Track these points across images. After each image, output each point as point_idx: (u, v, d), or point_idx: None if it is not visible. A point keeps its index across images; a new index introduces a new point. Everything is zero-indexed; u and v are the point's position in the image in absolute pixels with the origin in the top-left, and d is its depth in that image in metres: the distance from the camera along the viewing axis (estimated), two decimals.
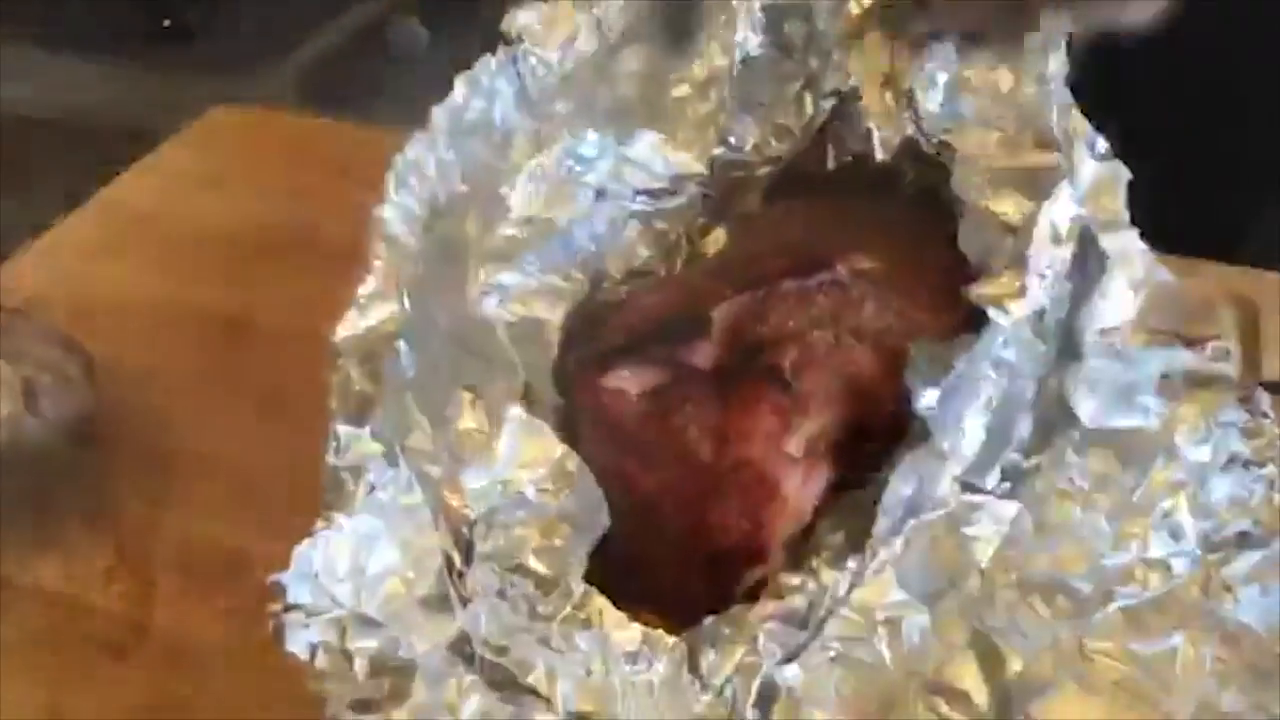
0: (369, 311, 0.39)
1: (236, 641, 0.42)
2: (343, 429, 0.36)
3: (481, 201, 0.42)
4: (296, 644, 0.33)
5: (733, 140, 0.44)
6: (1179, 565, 0.34)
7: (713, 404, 0.36)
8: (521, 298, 0.41)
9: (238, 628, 0.42)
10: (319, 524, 0.35)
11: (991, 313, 0.33)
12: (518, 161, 0.42)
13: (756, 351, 0.37)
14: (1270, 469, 0.35)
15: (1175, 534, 0.34)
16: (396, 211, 0.40)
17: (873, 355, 0.36)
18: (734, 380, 0.36)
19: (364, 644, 0.33)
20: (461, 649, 0.32)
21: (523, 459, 0.33)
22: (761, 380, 0.35)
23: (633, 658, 0.31)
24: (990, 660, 0.33)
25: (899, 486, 0.32)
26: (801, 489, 0.34)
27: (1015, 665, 0.33)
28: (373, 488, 0.35)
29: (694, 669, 0.31)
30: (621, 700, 0.31)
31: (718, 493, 0.34)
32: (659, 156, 0.43)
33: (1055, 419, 0.35)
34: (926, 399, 0.32)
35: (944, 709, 0.33)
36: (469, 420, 0.35)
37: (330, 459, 0.36)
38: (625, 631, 0.31)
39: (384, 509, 0.34)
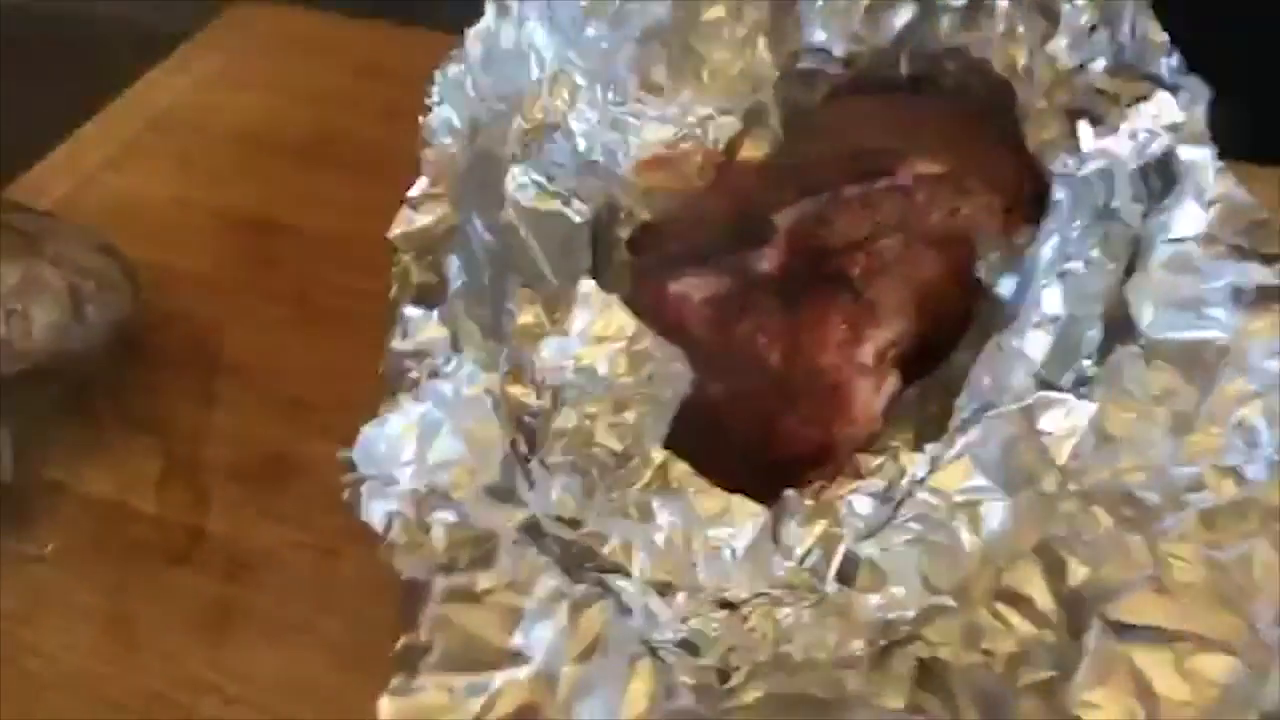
0: (422, 210, 0.38)
1: (293, 546, 0.42)
2: (409, 311, 0.35)
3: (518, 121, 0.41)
4: (372, 514, 0.33)
5: (802, 46, 0.43)
6: (1253, 471, 0.33)
7: (781, 311, 0.35)
8: (545, 198, 0.41)
9: (293, 532, 0.42)
10: (384, 407, 0.35)
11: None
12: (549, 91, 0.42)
13: (822, 258, 0.36)
14: None
15: (1250, 441, 0.33)
16: (441, 122, 0.39)
17: (940, 261, 0.36)
18: (801, 287, 0.36)
19: (442, 515, 0.33)
20: (531, 533, 0.32)
21: (595, 333, 0.32)
22: (831, 288, 0.35)
23: (716, 523, 0.31)
24: (1055, 568, 0.33)
25: (979, 374, 0.32)
26: (872, 398, 0.34)
27: (1081, 572, 0.33)
28: (435, 373, 0.35)
29: (775, 539, 0.31)
30: (703, 566, 0.31)
31: (788, 401, 0.34)
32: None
33: (1117, 330, 0.35)
34: (1002, 289, 0.32)
35: (1012, 618, 0.33)
36: (528, 315, 0.35)
37: (396, 343, 0.35)
38: (709, 497, 0.31)
39: (446, 400, 0.34)
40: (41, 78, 0.67)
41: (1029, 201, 0.38)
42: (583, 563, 0.32)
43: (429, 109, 0.41)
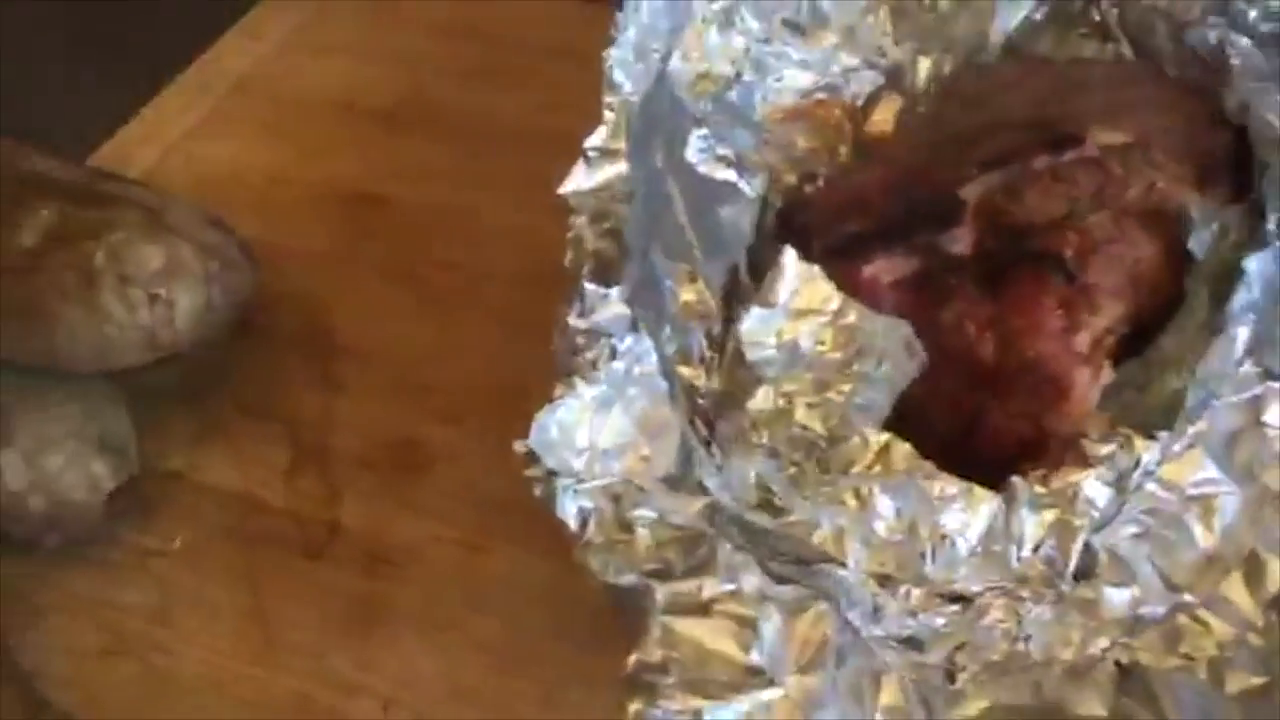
0: (598, 167, 0.36)
1: (435, 540, 0.40)
2: (589, 287, 0.34)
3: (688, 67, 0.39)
4: (566, 512, 0.32)
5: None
6: None
7: (985, 297, 0.33)
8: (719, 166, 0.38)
9: (434, 526, 0.41)
10: (559, 389, 0.33)
11: None
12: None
13: (1021, 237, 0.34)
14: None
15: None
16: (622, 63, 0.37)
17: (1153, 239, 0.34)
18: (1002, 270, 0.34)
19: (643, 512, 0.31)
20: (711, 522, 0.31)
21: (797, 307, 0.30)
22: (1041, 271, 0.33)
23: (946, 510, 0.29)
24: (1254, 569, 0.32)
25: (1210, 362, 0.31)
26: (1090, 389, 0.32)
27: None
28: (614, 353, 0.33)
29: (1007, 528, 0.29)
30: (931, 557, 0.29)
31: (998, 392, 0.32)
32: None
33: None
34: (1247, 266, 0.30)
35: (1210, 619, 0.31)
36: (689, 293, 0.33)
37: (573, 320, 0.34)
38: (941, 482, 0.29)
39: (620, 380, 0.33)
40: (112, 43, 0.64)
41: (1221, 169, 0.36)
42: (780, 553, 0.30)
43: (610, 47, 0.38)
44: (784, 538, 0.30)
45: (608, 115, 0.37)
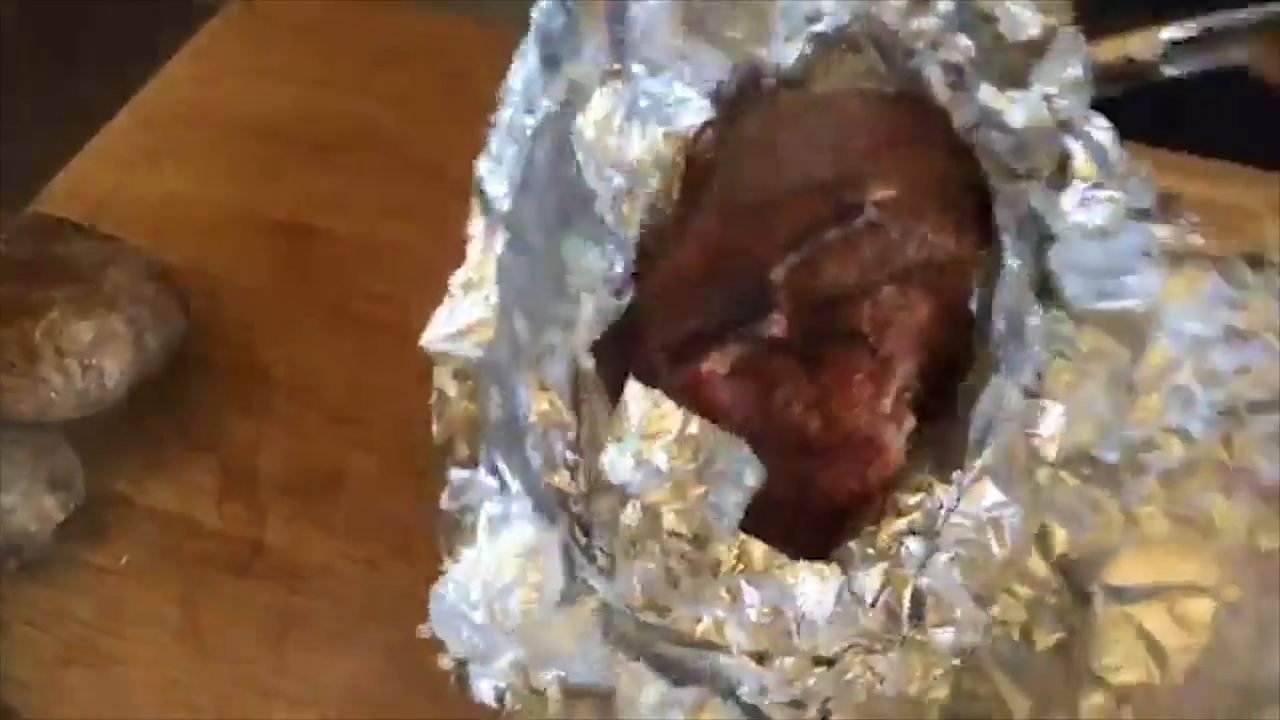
0: (462, 307, 0.36)
1: (342, 558, 0.46)
2: (455, 475, 0.35)
3: None
4: (483, 693, 0.35)
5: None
6: (1196, 430, 0.39)
7: (806, 376, 0.38)
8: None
9: (342, 545, 0.46)
10: (446, 562, 0.35)
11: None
12: None
13: (825, 312, 0.39)
14: (1269, 337, 0.39)
15: (1187, 403, 0.39)
16: (492, 174, 0.37)
17: (934, 300, 0.39)
18: (816, 347, 0.39)
19: (549, 675, 0.35)
20: (611, 632, 0.36)
21: (648, 431, 0.36)
22: (847, 346, 0.38)
23: (800, 591, 0.36)
24: (1043, 537, 0.39)
25: (984, 403, 0.37)
26: (897, 441, 0.38)
27: (1064, 535, 0.39)
28: (489, 518, 0.35)
29: (850, 591, 0.36)
30: (796, 633, 0.36)
31: (828, 461, 0.38)
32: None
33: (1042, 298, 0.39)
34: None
35: (1017, 588, 0.38)
36: (543, 402, 0.37)
37: (445, 503, 0.35)
38: (791, 570, 0.36)
39: (496, 528, 0.35)
40: (61, 56, 0.69)
41: (970, 214, 0.41)
42: (659, 641, 0.36)
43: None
44: (671, 631, 0.36)
45: (473, 241, 0.37)
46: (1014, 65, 0.38)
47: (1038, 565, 0.39)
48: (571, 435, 0.36)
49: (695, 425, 0.36)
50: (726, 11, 0.41)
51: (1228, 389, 0.40)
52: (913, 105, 0.43)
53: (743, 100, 0.44)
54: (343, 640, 0.44)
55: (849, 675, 0.37)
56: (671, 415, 0.35)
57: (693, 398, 0.37)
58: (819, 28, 0.42)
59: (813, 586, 0.36)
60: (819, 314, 0.39)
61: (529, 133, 0.37)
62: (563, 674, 0.35)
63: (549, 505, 0.36)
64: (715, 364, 0.38)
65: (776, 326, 0.39)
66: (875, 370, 0.38)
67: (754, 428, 0.37)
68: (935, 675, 0.37)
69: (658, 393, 0.36)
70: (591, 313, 0.38)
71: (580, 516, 0.36)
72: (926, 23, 0.40)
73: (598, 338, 0.38)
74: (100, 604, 0.46)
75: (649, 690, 0.35)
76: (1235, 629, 0.38)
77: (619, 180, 0.40)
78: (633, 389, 0.35)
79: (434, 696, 0.42)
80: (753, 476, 0.36)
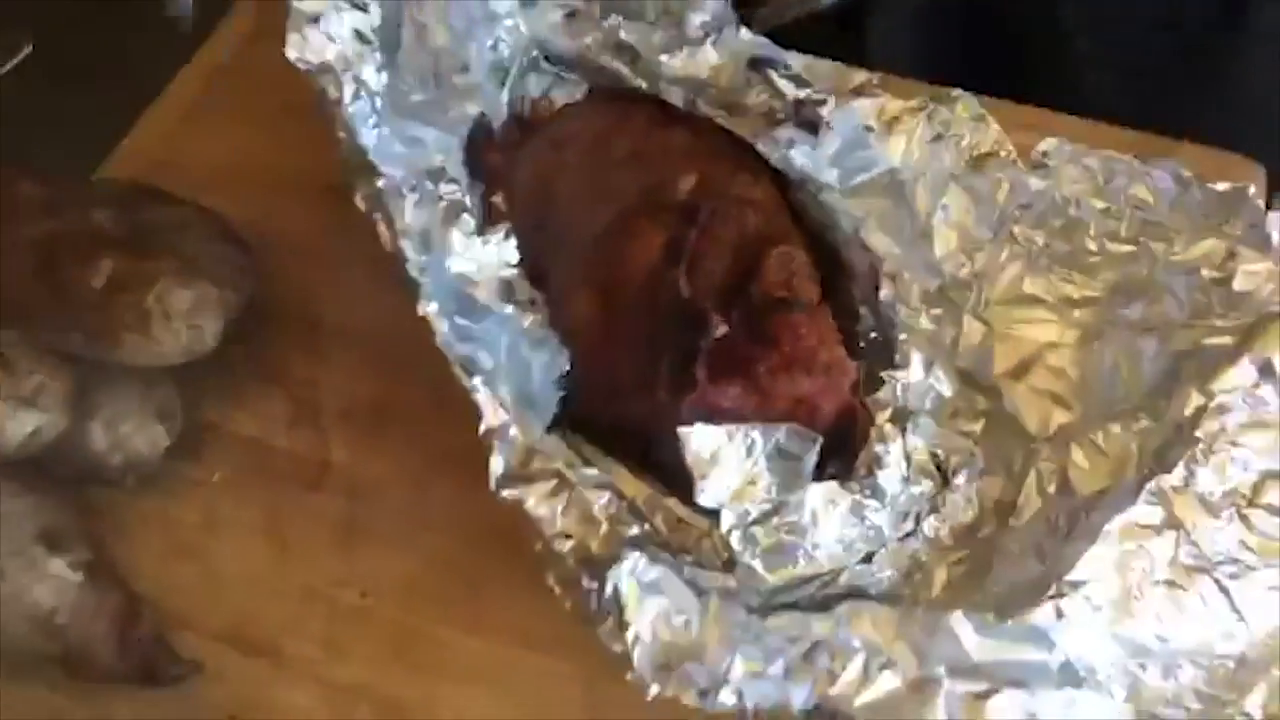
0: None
1: (398, 477, 0.57)
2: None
3: None
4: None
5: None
6: (986, 236, 0.57)
7: (763, 350, 0.48)
8: None
9: (396, 465, 0.57)
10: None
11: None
12: None
13: (740, 292, 0.49)
14: (1002, 155, 0.57)
15: (971, 220, 0.57)
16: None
17: (788, 239, 0.51)
18: (757, 326, 0.48)
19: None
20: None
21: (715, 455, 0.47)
22: (776, 310, 0.48)
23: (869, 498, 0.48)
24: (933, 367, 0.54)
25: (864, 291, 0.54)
26: (845, 354, 0.49)
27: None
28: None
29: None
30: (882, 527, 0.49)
31: (818, 396, 0.48)
32: None
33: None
34: None
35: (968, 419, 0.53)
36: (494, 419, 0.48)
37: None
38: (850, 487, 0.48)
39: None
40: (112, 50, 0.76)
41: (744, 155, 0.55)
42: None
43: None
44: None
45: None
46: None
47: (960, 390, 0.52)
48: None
49: (749, 431, 0.46)
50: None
51: (991, 204, 0.55)
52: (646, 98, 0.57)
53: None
54: (399, 543, 0.55)
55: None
56: (723, 432, 0.46)
57: (709, 413, 0.46)
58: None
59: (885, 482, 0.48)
60: (737, 296, 0.49)
61: None
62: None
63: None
64: (705, 392, 0.47)
65: (719, 328, 0.48)
66: (806, 316, 0.48)
67: (759, 406, 0.47)
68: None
69: (699, 425, 0.46)
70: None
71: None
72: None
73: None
74: (199, 512, 0.56)
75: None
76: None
77: None
78: (686, 432, 0.45)
79: (475, 591, 0.53)
80: (807, 444, 0.46)
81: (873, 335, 0.53)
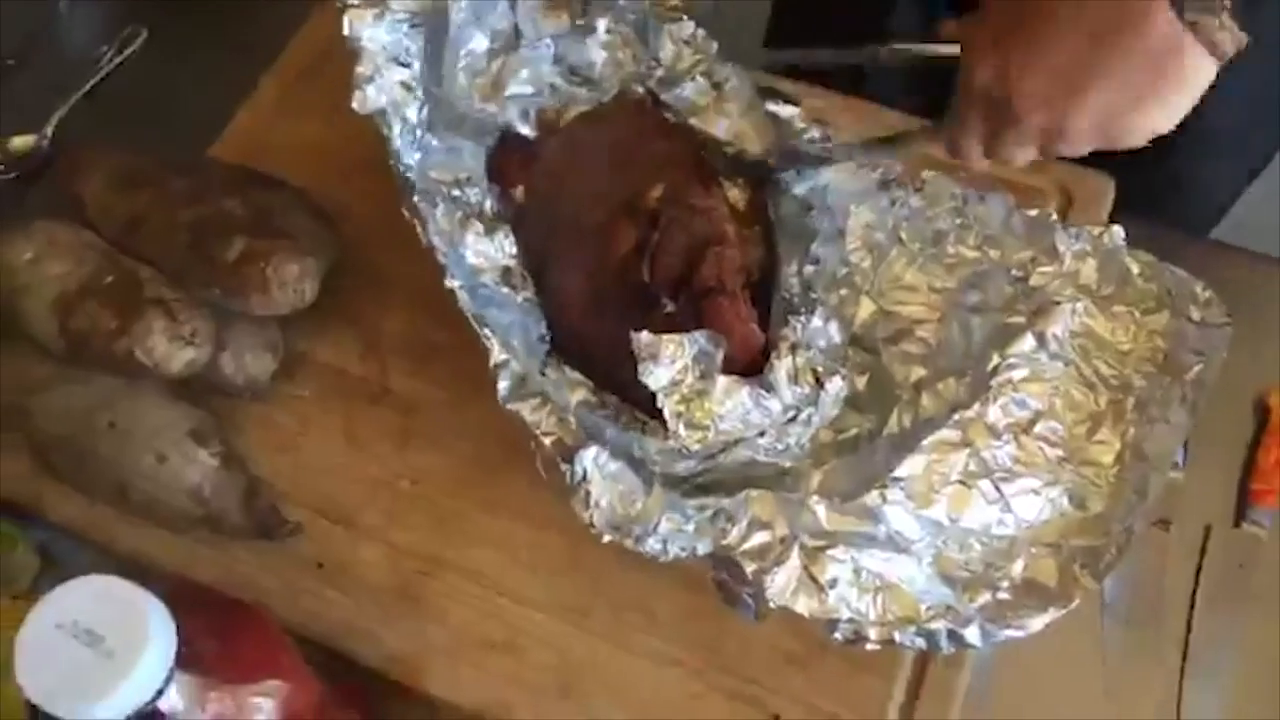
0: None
1: (442, 397, 0.77)
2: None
3: None
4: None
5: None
6: (886, 240, 0.76)
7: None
8: None
9: (440, 390, 0.78)
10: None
11: None
12: None
13: (686, 281, 0.69)
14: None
15: (882, 228, 0.78)
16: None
17: (728, 237, 0.72)
18: (695, 307, 0.68)
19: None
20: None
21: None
22: (710, 295, 0.68)
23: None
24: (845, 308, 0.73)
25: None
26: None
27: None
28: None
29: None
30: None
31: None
32: None
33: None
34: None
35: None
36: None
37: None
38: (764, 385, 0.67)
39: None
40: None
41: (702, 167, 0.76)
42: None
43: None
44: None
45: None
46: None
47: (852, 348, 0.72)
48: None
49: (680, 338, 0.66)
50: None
51: (888, 214, 0.74)
52: (629, 115, 0.77)
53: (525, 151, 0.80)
54: (440, 446, 0.76)
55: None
56: (662, 338, 0.65)
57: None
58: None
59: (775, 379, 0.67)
60: (684, 287, 0.69)
61: None
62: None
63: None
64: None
65: (668, 307, 0.69)
66: (728, 300, 0.68)
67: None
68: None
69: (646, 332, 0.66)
70: None
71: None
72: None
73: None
74: (295, 418, 0.77)
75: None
76: None
77: None
78: (636, 335, 0.64)
79: (492, 481, 0.75)
80: (719, 344, 0.65)
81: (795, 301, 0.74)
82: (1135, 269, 0.70)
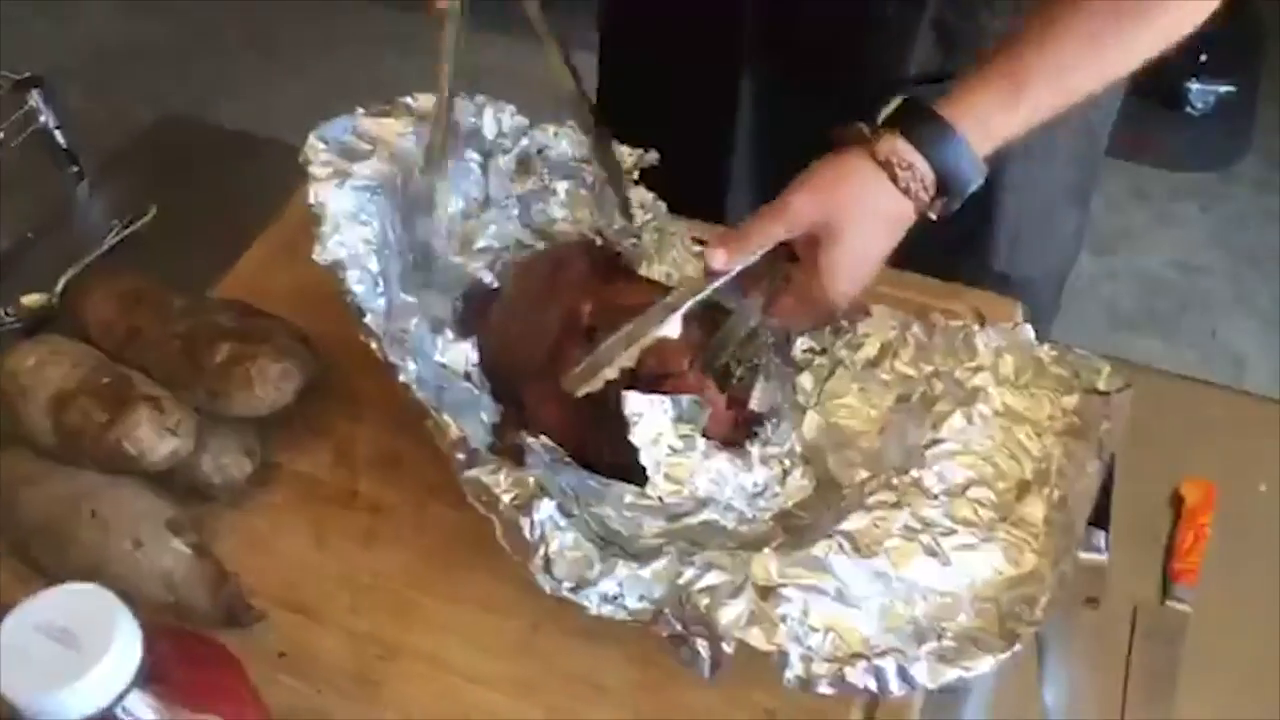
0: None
1: (406, 502, 0.82)
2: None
3: None
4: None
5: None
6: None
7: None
8: None
9: (405, 494, 0.83)
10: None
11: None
12: None
13: (634, 375, 0.76)
14: None
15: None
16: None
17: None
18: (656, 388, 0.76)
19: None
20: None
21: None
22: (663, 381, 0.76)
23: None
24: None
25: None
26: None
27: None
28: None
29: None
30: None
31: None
32: None
33: None
34: None
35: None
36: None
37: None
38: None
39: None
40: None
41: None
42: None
43: None
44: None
45: None
46: None
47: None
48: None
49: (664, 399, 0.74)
50: None
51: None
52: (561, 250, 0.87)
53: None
54: (402, 544, 0.80)
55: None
56: (648, 399, 0.73)
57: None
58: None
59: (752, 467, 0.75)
60: (635, 384, 0.76)
61: None
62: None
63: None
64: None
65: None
66: (677, 379, 0.76)
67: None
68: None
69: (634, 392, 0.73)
70: None
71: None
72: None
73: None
74: (268, 521, 0.82)
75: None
76: None
77: None
78: (626, 394, 0.72)
79: (451, 574, 0.78)
80: (702, 409, 0.74)
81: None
82: (1045, 358, 0.77)
